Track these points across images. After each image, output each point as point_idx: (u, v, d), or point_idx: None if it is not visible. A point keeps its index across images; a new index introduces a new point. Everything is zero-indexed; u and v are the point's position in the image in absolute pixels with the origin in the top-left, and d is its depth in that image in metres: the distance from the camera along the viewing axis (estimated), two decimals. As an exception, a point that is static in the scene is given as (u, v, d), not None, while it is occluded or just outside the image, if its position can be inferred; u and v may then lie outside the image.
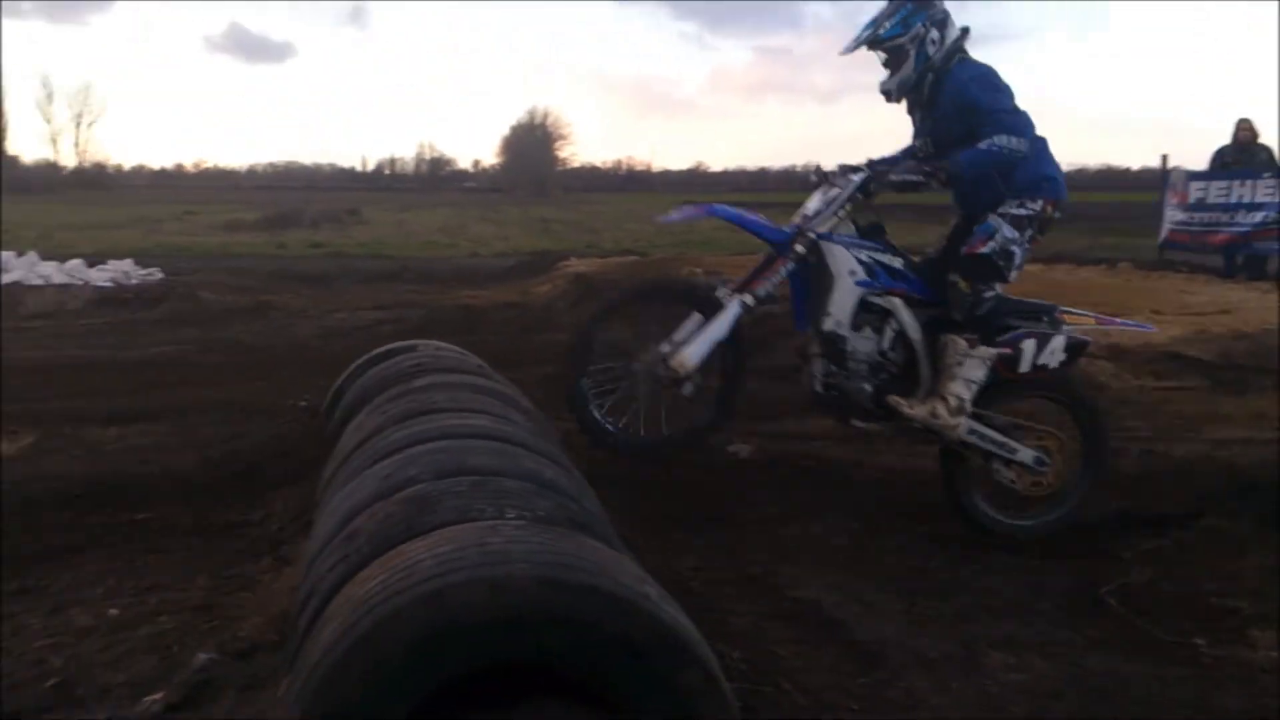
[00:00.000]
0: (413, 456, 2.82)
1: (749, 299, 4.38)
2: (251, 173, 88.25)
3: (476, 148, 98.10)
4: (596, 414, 4.44)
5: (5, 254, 14.38)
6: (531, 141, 68.28)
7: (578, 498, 2.85)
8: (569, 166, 72.51)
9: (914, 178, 4.45)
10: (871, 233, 4.54)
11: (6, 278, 13.30)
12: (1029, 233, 4.45)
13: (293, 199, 38.70)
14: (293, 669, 2.20)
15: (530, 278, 13.94)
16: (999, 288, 4.44)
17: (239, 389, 6.70)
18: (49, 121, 73.65)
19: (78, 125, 66.93)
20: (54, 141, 77.89)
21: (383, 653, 1.93)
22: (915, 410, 4.38)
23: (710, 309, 4.32)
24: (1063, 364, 4.41)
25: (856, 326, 4.43)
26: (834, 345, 4.40)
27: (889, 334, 4.47)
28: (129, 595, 3.31)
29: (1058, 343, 4.38)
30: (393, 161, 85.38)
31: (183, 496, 4.33)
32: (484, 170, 78.28)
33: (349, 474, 3.08)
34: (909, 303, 4.48)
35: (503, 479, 2.63)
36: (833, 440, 5.56)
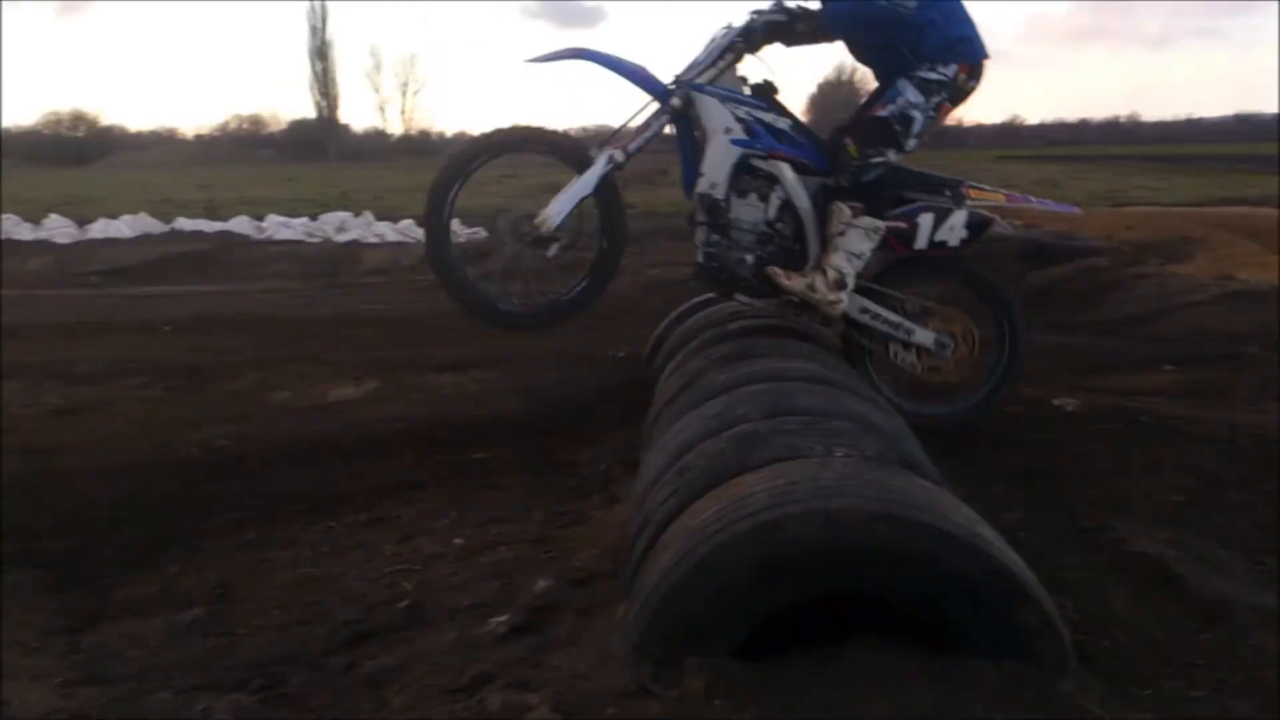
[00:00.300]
0: (740, 397, 2.86)
1: (618, 154, 4.06)
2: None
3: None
4: (468, 277, 4.17)
5: (343, 214, 15.75)
6: (839, 99, 67.24)
7: (903, 441, 2.80)
8: (878, 123, 70.92)
9: (778, 17, 4.12)
10: (761, 90, 4.17)
11: (345, 236, 14.53)
12: (936, 99, 4.05)
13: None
14: (630, 595, 2.30)
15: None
16: (892, 155, 4.07)
17: (563, 339, 6.96)
18: (377, 91, 79.60)
19: (404, 94, 71.65)
20: (382, 110, 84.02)
21: (720, 577, 1.98)
22: (792, 283, 4.06)
23: (580, 164, 4.04)
24: (964, 241, 4.08)
25: (741, 192, 4.11)
26: (714, 211, 4.09)
27: (775, 202, 4.12)
28: (471, 527, 3.55)
29: (958, 218, 4.07)
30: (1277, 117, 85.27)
31: (516, 438, 4.60)
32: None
33: (675, 414, 3.17)
34: (798, 169, 4.11)
35: (830, 419, 2.63)
36: (1167, 396, 5.20)
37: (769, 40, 4.19)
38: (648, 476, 2.83)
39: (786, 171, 4.11)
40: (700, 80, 4.09)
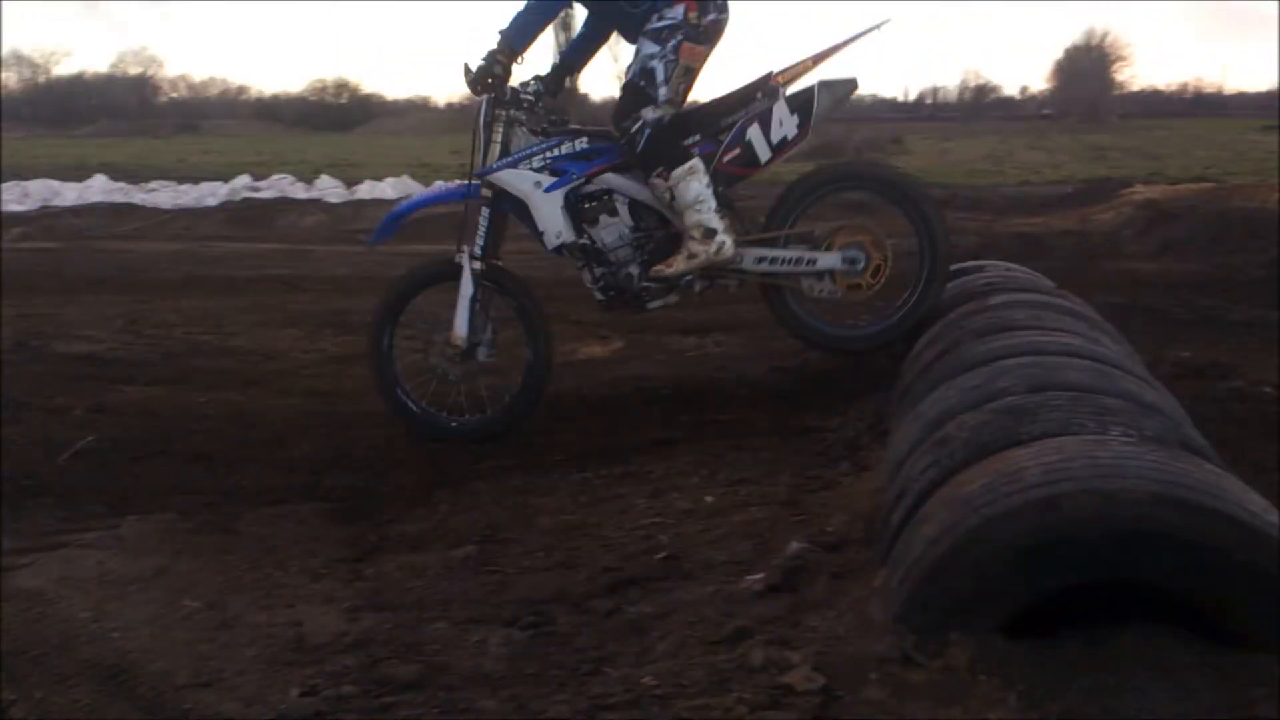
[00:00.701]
0: (1002, 369, 2.80)
1: (476, 251, 4.30)
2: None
3: (1025, 74, 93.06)
4: (419, 408, 4.41)
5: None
6: (1087, 64, 63.83)
7: (1182, 423, 2.68)
8: (1127, 90, 67.05)
9: (496, 69, 4.16)
10: (554, 129, 4.33)
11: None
12: (674, 42, 4.03)
13: (836, 129, 39.27)
14: (887, 563, 2.31)
15: (1090, 205, 13.04)
16: (649, 112, 4.05)
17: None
18: (616, 60, 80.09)
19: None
20: (618, 80, 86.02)
21: (988, 552, 1.96)
22: (675, 266, 4.13)
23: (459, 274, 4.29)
24: (801, 126, 4.03)
25: (593, 221, 4.24)
26: (581, 253, 4.27)
27: (623, 210, 4.24)
28: (721, 486, 3.61)
29: (781, 111, 4.03)
30: (935, 90, 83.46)
31: (760, 402, 4.65)
32: (1031, 97, 74.37)
33: (930, 384, 3.13)
34: (621, 170, 4.22)
35: (1101, 396, 2.54)
36: None
37: (512, 95, 4.31)
38: (902, 445, 2.82)
39: (613, 179, 4.24)
40: (489, 162, 4.28)
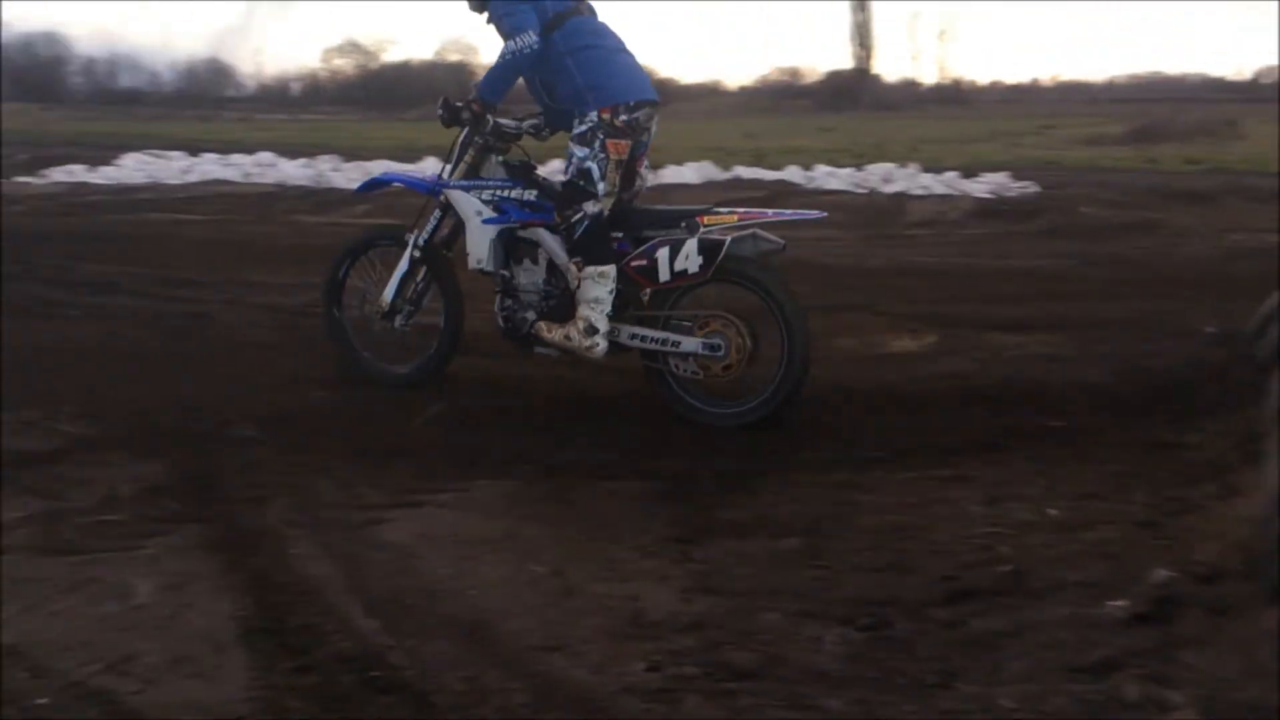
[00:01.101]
0: None
1: (420, 238, 4.83)
2: (1110, 85, 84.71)
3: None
4: (355, 344, 5.09)
5: (888, 165, 15.71)
6: None
7: None
8: None
9: (465, 114, 4.63)
10: (518, 171, 4.74)
11: (891, 187, 14.47)
12: (598, 142, 4.44)
13: (1158, 111, 36.50)
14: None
15: None
16: (591, 206, 4.42)
17: (1132, 306, 6.54)
18: (913, 40, 78.30)
19: (940, 42, 69.49)
20: (916, 59, 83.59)
21: None
22: (552, 335, 4.52)
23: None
24: (702, 266, 4.29)
25: (519, 260, 4.68)
26: (501, 282, 4.69)
27: (543, 263, 4.65)
28: (1065, 499, 3.41)
29: (690, 247, 4.31)
30: (1275, 68, 75.63)
31: (1098, 409, 4.36)
32: (1400, 77, 66.06)
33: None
34: (554, 230, 4.57)
35: None
36: None
37: (494, 128, 4.70)
38: (1290, 475, 2.56)
39: (545, 236, 4.63)
40: (452, 177, 4.76)
